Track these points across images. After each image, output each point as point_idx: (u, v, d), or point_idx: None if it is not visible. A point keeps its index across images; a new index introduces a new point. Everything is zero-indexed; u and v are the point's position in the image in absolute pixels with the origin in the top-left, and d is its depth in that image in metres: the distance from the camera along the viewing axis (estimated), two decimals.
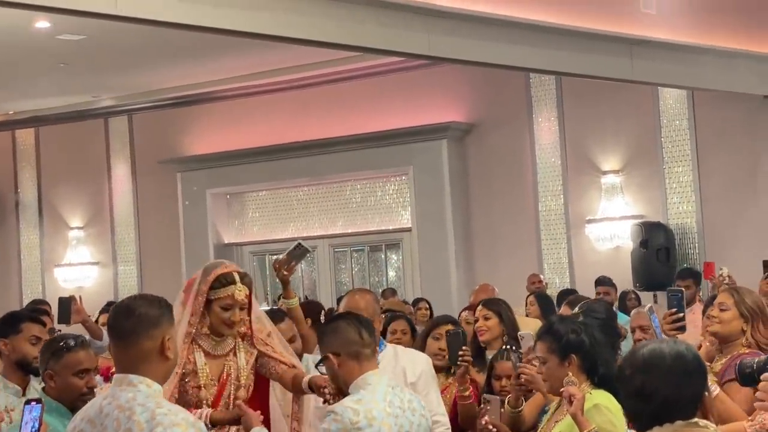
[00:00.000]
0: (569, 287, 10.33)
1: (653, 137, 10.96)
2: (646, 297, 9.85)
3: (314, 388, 4.01)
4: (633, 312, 5.59)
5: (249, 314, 4.16)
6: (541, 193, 11.61)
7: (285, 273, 4.94)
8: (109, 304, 10.95)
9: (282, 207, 13.34)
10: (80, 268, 14.38)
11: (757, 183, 10.40)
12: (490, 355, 5.19)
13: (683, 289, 4.79)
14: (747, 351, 4.64)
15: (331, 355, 3.69)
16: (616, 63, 8.67)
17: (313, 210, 13.12)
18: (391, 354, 4.63)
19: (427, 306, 9.26)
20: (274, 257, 4.81)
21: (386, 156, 12.22)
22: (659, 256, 10.32)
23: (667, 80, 9.54)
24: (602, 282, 9.06)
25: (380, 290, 11.08)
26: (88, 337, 6.32)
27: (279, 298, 6.63)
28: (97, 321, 8.71)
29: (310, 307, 5.65)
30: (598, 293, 8.45)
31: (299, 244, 4.99)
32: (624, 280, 10.00)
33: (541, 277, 9.91)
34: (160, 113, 13.40)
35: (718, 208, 10.59)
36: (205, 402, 3.99)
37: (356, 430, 3.58)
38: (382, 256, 12.98)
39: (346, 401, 3.67)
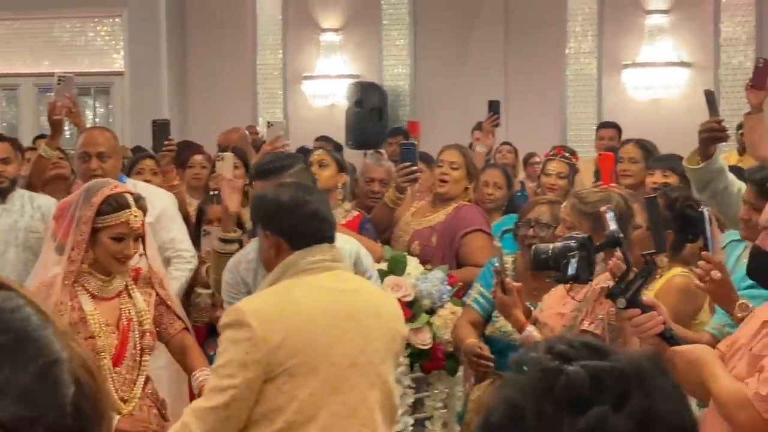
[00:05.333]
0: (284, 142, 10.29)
1: None
2: (358, 155, 10.12)
3: None
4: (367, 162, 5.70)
5: (144, 247, 3.41)
6: (260, 47, 11.53)
7: (57, 116, 4.71)
8: None
9: None
10: None
11: (468, 50, 10.83)
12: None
13: (415, 142, 4.98)
14: (465, 203, 4.94)
15: None
16: None
17: (16, 46, 12.32)
18: None
19: None
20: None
21: None
22: (372, 116, 10.58)
23: None
24: (318, 139, 9.21)
25: None
26: None
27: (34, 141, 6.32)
28: None
29: None
30: (314, 148, 8.57)
31: (59, 77, 4.74)
32: (337, 137, 10.20)
33: (258, 128, 9.90)
34: None
35: (430, 73, 10.96)
36: (104, 355, 3.28)
37: None
38: (91, 101, 12.50)
39: None
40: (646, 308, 2.87)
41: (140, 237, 3.34)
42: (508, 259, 4.07)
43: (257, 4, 11.50)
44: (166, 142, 5.03)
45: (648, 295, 3.90)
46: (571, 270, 3.01)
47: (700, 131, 4.10)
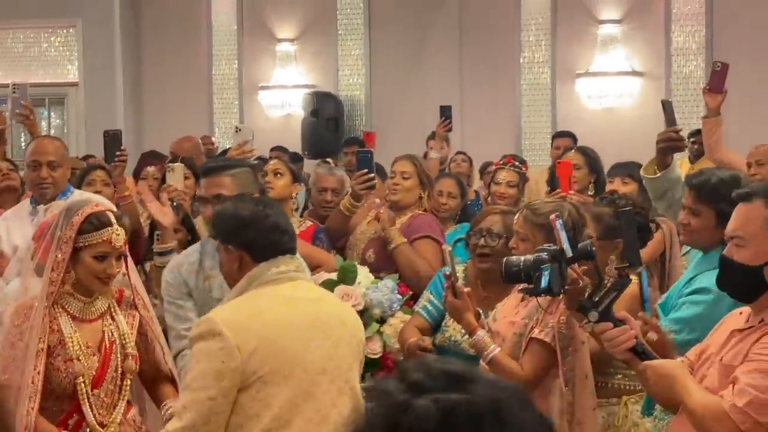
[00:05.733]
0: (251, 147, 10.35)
1: (329, 9, 11.12)
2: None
3: None
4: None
5: (127, 266, 3.35)
6: (215, 57, 11.52)
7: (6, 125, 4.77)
8: None
9: None
10: None
11: (423, 60, 10.88)
12: None
13: (372, 149, 5.00)
14: (420, 213, 4.96)
15: None
16: None
17: None
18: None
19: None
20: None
21: (52, 5, 11.58)
22: (328, 126, 10.60)
23: None
24: (274, 149, 9.23)
25: None
26: None
27: None
28: None
29: None
30: (270, 157, 8.58)
31: (13, 85, 4.80)
32: (294, 147, 10.21)
33: (213, 138, 9.92)
34: None
35: (386, 82, 11.01)
36: (81, 379, 3.19)
37: None
38: (46, 112, 12.40)
39: None
40: (618, 322, 2.85)
41: (123, 256, 3.28)
42: (459, 268, 4.09)
43: (212, 14, 11.48)
44: (117, 153, 5.02)
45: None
46: (543, 282, 2.99)
47: (658, 141, 4.08)
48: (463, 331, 3.76)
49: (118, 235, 3.22)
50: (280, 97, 11.30)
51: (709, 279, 3.22)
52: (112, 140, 5.06)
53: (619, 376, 3.84)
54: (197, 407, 2.80)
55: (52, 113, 12.34)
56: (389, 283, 4.48)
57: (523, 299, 3.63)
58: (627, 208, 3.37)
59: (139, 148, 10.94)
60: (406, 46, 10.92)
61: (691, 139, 7.98)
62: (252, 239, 2.99)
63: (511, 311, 3.65)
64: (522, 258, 3.11)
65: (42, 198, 4.59)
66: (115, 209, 3.37)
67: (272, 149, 9.20)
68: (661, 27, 10.19)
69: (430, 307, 4.20)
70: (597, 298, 2.90)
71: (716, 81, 4.86)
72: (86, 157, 8.88)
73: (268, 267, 2.98)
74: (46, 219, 3.37)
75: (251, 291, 2.97)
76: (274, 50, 11.32)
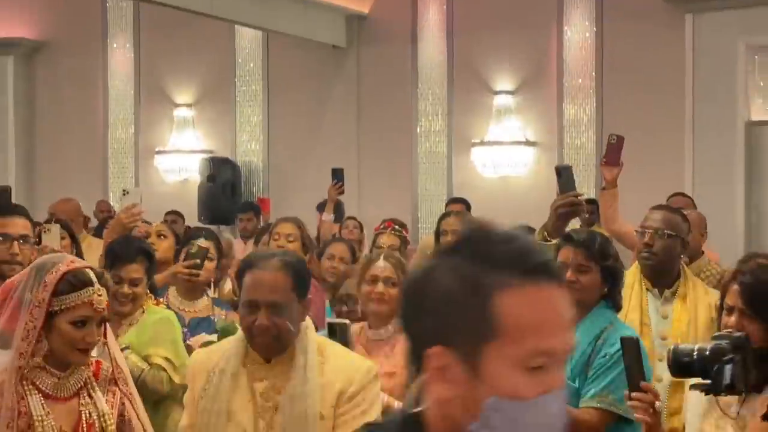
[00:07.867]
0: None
1: (227, 75, 11.15)
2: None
3: None
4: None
5: (106, 334, 2.87)
6: (112, 121, 11.43)
7: None
8: None
9: None
10: None
11: (321, 127, 10.96)
12: None
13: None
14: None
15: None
16: None
17: None
18: None
19: None
20: None
21: None
22: (225, 191, 10.57)
23: (243, 19, 9.75)
24: (169, 213, 9.15)
25: None
26: None
27: None
28: None
29: None
30: (165, 220, 8.51)
31: None
32: (190, 212, 10.13)
33: (111, 204, 9.81)
34: None
35: (284, 148, 11.04)
36: None
37: None
38: None
39: None
40: None
41: (104, 320, 2.82)
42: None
43: (109, 77, 11.42)
44: None
45: None
46: (726, 378, 2.56)
47: (559, 206, 3.92)
48: None
49: (100, 296, 2.75)
50: (177, 161, 11.23)
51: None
52: None
53: None
54: None
55: None
56: None
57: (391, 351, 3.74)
58: (631, 336, 2.96)
59: (30, 211, 10.76)
60: (303, 113, 11.00)
61: None
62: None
63: (383, 364, 3.71)
64: (695, 347, 2.66)
65: None
66: (94, 266, 2.90)
67: (167, 213, 9.12)
68: (554, 99, 10.45)
69: None
70: None
71: (612, 154, 4.97)
72: None
73: None
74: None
75: (319, 339, 3.09)
76: (171, 115, 11.28)
